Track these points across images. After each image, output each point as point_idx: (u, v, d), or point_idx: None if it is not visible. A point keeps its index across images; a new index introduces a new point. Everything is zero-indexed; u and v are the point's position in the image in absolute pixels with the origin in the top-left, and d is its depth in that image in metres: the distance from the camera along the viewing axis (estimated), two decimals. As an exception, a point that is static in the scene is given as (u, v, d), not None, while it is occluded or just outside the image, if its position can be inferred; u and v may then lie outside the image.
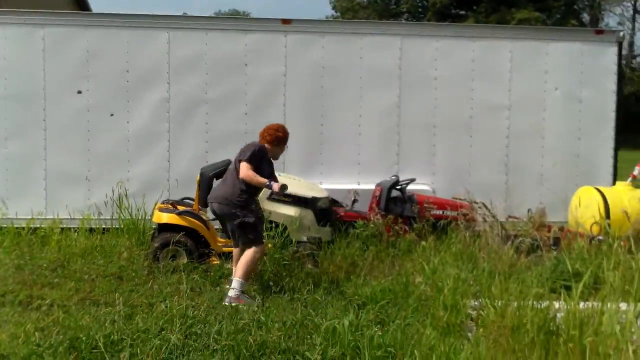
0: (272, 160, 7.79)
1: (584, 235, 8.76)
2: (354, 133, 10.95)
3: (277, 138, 7.77)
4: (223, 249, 8.72)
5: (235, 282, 7.26)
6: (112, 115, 10.68)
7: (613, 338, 4.70)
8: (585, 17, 39.93)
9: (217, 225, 9.55)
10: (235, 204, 7.41)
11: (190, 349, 5.63)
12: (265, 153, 7.62)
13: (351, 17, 38.85)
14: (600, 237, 8.68)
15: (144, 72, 10.76)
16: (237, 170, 7.45)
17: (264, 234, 7.78)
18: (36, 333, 5.91)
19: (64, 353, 5.45)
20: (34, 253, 9.14)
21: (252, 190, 7.51)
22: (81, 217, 10.39)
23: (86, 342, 5.60)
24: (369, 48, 11.01)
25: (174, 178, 10.62)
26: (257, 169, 7.40)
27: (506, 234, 8.79)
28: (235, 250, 7.80)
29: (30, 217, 10.32)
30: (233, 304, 6.97)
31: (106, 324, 6.08)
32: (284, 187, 7.28)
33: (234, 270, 7.64)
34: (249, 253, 7.37)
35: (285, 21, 10.96)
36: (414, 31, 11.27)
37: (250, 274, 7.54)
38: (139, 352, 5.46)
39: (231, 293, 7.19)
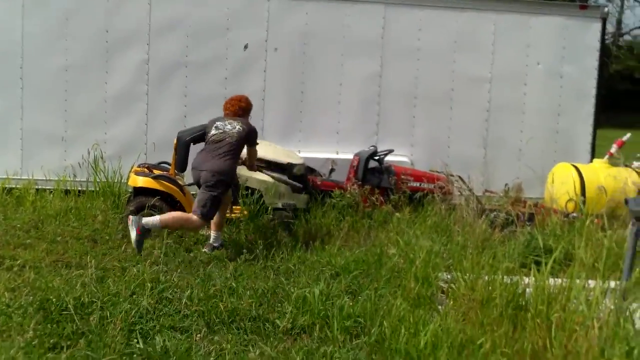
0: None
1: (558, 212, 8.80)
2: (334, 101, 10.90)
3: (242, 109, 8.06)
4: (198, 214, 8.69)
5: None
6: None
7: (580, 314, 4.73)
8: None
9: (193, 190, 9.55)
10: (226, 182, 7.68)
11: (161, 313, 5.63)
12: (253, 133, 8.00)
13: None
14: (575, 214, 8.73)
15: (123, 32, 10.59)
16: (235, 145, 7.71)
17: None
18: (6, 293, 5.88)
19: (34, 314, 5.41)
20: (8, 213, 9.08)
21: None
22: (57, 178, 10.30)
23: (56, 303, 5.58)
24: (352, 15, 10.92)
25: (152, 141, 10.51)
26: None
27: (482, 208, 8.81)
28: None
29: (5, 177, 10.24)
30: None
31: (77, 287, 6.05)
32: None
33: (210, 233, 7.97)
34: (194, 218, 7.54)
35: None
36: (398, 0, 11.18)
37: (174, 227, 7.73)
38: (108, 315, 5.43)
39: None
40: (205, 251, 7.70)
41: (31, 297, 5.78)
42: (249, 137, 7.86)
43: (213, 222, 7.84)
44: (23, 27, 10.41)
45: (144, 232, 7.32)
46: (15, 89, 10.44)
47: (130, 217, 7.46)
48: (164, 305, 5.80)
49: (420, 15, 11.03)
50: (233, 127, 7.79)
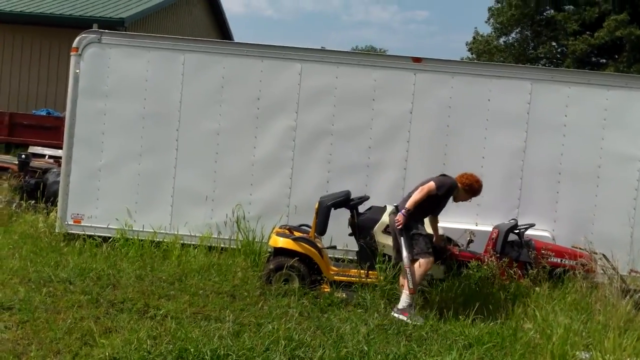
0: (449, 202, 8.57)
1: None
2: (476, 173, 10.82)
3: (471, 187, 8.52)
4: (335, 277, 8.86)
5: (403, 295, 7.85)
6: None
7: None
8: None
9: (331, 253, 9.74)
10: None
11: (293, 370, 5.76)
12: (454, 190, 8.41)
13: (487, 59, 38.50)
14: None
15: (274, 100, 11.04)
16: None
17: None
18: (148, 341, 6.21)
19: (172, 362, 5.68)
20: (155, 265, 9.58)
21: (422, 207, 8.13)
22: (201, 234, 10.76)
23: (194, 354, 5.83)
24: (497, 90, 10.92)
25: (294, 204, 10.82)
26: (437, 198, 8.21)
27: (626, 288, 8.46)
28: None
29: (154, 230, 10.80)
30: (397, 316, 7.66)
31: (214, 339, 6.30)
32: (406, 227, 7.99)
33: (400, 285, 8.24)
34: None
35: (416, 59, 11.02)
36: (545, 76, 11.08)
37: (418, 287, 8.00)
38: (242, 367, 5.62)
39: (399, 305, 7.82)
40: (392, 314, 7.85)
41: (171, 346, 6.05)
42: (438, 179, 8.35)
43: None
44: (182, 93, 11.08)
45: (409, 310, 7.78)
46: (171, 150, 11.05)
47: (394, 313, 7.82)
48: (296, 362, 5.92)
49: (568, 91, 10.89)
50: None
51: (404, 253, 7.94)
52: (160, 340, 6.28)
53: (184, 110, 11.07)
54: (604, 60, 36.90)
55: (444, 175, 8.47)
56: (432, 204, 8.28)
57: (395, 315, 7.72)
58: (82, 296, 7.77)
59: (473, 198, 8.73)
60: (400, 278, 8.23)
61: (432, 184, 8.12)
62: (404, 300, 7.81)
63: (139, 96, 11.08)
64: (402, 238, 8.00)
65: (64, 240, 10.66)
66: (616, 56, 35.34)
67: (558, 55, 38.98)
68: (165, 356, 5.85)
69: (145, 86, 11.09)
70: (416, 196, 8.02)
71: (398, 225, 7.96)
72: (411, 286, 7.86)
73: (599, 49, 35.78)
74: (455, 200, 8.57)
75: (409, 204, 8.00)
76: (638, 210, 10.72)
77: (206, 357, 5.80)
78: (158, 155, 11.08)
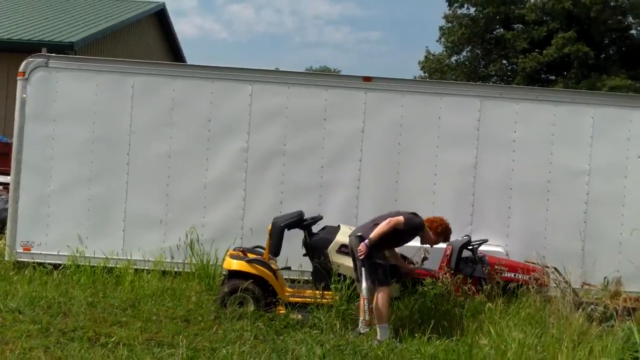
0: (416, 240, 8.63)
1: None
2: (429, 191, 10.89)
3: (446, 230, 8.64)
4: (290, 298, 8.79)
5: (380, 329, 7.79)
6: None
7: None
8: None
9: (285, 275, 9.67)
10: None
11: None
12: (420, 231, 8.39)
13: (439, 77, 38.89)
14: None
15: (225, 122, 11.00)
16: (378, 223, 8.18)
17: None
18: (99, 369, 6.06)
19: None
20: (108, 292, 9.42)
21: (385, 239, 8.06)
22: (154, 259, 10.62)
23: (146, 381, 5.71)
24: (447, 108, 11.02)
25: (248, 226, 10.73)
26: (401, 233, 8.19)
27: (579, 301, 8.54)
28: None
29: (106, 256, 10.63)
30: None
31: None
32: (367, 256, 7.97)
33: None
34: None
35: (366, 79, 11.08)
36: (494, 93, 11.22)
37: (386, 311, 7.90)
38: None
39: (379, 338, 7.72)
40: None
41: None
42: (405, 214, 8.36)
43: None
44: (132, 116, 10.96)
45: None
46: (122, 175, 10.91)
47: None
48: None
49: (517, 108, 11.03)
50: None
51: (363, 283, 7.94)
52: (111, 369, 6.16)
53: (134, 133, 10.96)
54: (553, 77, 37.54)
55: (414, 213, 8.45)
56: (395, 238, 8.28)
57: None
58: (32, 325, 7.58)
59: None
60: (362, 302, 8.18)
61: (400, 218, 8.12)
62: (381, 334, 7.73)
63: (88, 120, 10.93)
64: (362, 268, 7.99)
65: (14, 269, 10.40)
66: (565, 73, 35.98)
67: (509, 73, 39.55)
68: (117, 385, 5.72)
69: (94, 110, 10.96)
70: (383, 228, 7.99)
71: (360, 256, 7.94)
72: (367, 318, 7.89)
73: (548, 66, 36.40)
74: (423, 242, 8.63)
75: (373, 234, 7.97)
76: (589, 224, 10.85)
77: (159, 384, 5.69)
78: (109, 179, 10.94)
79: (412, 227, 8.23)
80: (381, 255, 8.09)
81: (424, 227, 8.36)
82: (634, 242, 10.48)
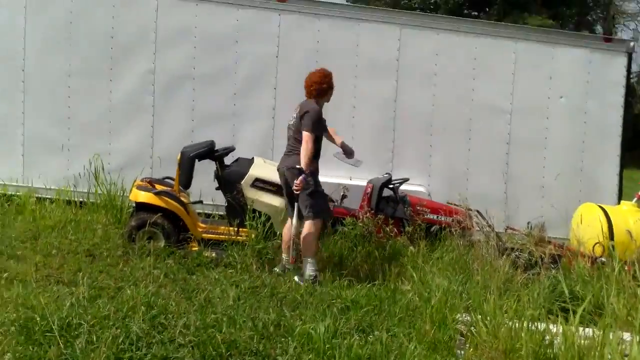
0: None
1: (586, 256, 8.28)
2: (347, 124, 10.36)
3: (330, 84, 7.74)
4: (203, 234, 8.27)
5: (309, 264, 7.29)
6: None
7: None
8: (599, 29, 39.23)
9: (198, 208, 9.12)
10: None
11: (153, 341, 5.13)
12: (320, 113, 7.55)
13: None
14: (603, 259, 8.19)
15: (129, 39, 10.27)
16: (293, 139, 7.50)
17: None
18: (-11, 309, 5.44)
19: (16, 333, 4.98)
20: (7, 222, 8.70)
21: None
22: (58, 187, 9.91)
23: (40, 323, 5.12)
24: (366, 35, 10.55)
25: (157, 155, 10.11)
26: (317, 137, 7.42)
27: (503, 246, 8.30)
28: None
29: (4, 183, 9.91)
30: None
31: (65, 306, 5.57)
32: (307, 183, 7.21)
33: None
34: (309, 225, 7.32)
35: None
36: (414, 22, 10.76)
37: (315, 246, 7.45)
38: (95, 339, 4.96)
39: (306, 275, 7.22)
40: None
41: (14, 315, 5.31)
42: (301, 116, 7.43)
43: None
44: (25, 28, 10.10)
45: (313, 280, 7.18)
46: (17, 93, 10.10)
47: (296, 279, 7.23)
48: (158, 332, 5.29)
49: (437, 38, 10.64)
50: (293, 117, 7.60)
51: (296, 219, 7.43)
52: (3, 308, 5.53)
53: (28, 47, 10.08)
54: (476, 13, 37.45)
55: (305, 110, 7.50)
56: (317, 143, 7.55)
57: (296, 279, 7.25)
58: None
59: None
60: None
61: (307, 134, 7.28)
62: (309, 268, 7.27)
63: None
64: (299, 202, 7.39)
65: None
66: (487, 9, 35.96)
67: (431, 7, 39.21)
68: (8, 327, 5.11)
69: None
70: (305, 153, 7.21)
71: (297, 191, 7.27)
72: (294, 254, 7.46)
73: (470, 1, 36.28)
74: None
75: (304, 165, 7.20)
76: (511, 165, 10.67)
77: (54, 327, 5.09)
78: (2, 99, 10.11)
79: (318, 121, 7.50)
80: (318, 182, 7.52)
81: (319, 107, 7.64)
82: (557, 186, 10.39)
